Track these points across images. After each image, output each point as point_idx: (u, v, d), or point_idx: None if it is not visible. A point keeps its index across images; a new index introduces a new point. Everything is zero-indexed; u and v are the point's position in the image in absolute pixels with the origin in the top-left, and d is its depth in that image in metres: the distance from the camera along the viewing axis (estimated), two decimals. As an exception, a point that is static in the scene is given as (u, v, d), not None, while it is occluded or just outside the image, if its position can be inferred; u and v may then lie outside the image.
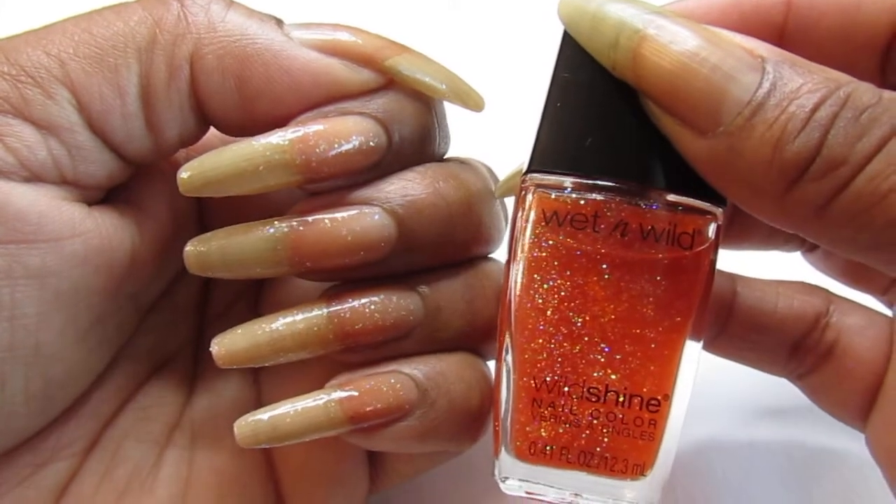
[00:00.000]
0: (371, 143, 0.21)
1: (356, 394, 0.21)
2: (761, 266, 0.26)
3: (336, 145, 0.20)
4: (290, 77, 0.21)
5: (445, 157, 0.24)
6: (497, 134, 0.28)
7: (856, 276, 0.26)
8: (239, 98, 0.21)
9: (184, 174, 0.20)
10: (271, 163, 0.20)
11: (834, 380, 0.24)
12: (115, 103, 0.20)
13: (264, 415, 0.21)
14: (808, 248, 0.26)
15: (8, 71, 0.19)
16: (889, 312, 0.25)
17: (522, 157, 0.24)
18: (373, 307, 0.21)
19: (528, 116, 0.22)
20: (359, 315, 0.21)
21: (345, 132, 0.21)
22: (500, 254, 0.23)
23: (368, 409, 0.21)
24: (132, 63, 0.20)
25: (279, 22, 0.21)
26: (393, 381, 0.21)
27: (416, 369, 0.22)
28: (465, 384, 0.22)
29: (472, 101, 0.22)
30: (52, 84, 0.20)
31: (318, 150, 0.20)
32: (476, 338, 0.23)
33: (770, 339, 0.24)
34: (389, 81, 0.21)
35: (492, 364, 0.23)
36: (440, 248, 0.22)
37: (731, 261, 0.24)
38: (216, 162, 0.20)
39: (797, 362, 0.24)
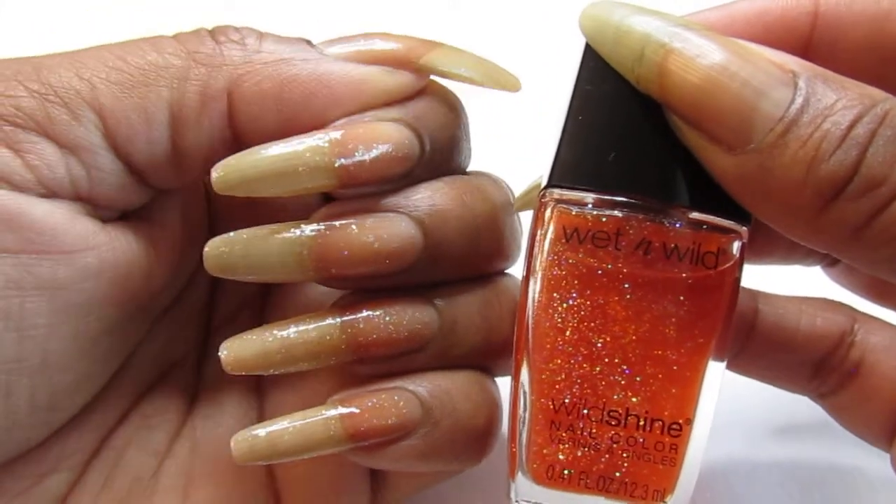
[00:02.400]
0: (406, 150, 0.21)
1: (357, 411, 0.21)
2: (781, 280, 0.25)
3: (374, 149, 0.20)
4: (331, 90, 0.21)
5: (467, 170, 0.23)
6: (497, 134, 0.27)
7: (879, 291, 0.25)
8: (278, 119, 0.21)
9: (219, 172, 0.20)
10: (311, 164, 0.20)
11: (859, 399, 0.23)
12: (141, 129, 0.20)
13: (262, 430, 0.21)
14: (829, 263, 0.26)
15: (38, 89, 0.19)
16: (915, 330, 0.24)
17: (524, 158, 0.23)
18: (387, 319, 0.21)
19: (529, 117, 0.22)
20: (373, 326, 0.21)
21: (382, 137, 0.20)
22: (515, 270, 0.23)
23: (370, 427, 0.21)
24: (163, 91, 0.20)
25: (310, 43, 0.21)
26: (396, 398, 0.21)
27: (422, 386, 0.21)
28: (472, 404, 0.22)
29: (509, 84, 0.22)
30: (79, 106, 0.20)
31: (356, 154, 0.20)
32: (490, 355, 0.22)
33: (792, 358, 0.24)
34: (426, 79, 0.21)
35: (506, 382, 0.23)
36: (463, 260, 0.22)
37: (749, 275, 0.23)
38: (253, 161, 0.20)
39: (820, 381, 0.24)
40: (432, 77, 0.22)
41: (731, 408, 0.22)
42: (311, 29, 0.22)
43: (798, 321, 0.23)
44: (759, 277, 0.24)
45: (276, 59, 0.21)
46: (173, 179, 0.21)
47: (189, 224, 0.23)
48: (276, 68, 0.20)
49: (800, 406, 0.25)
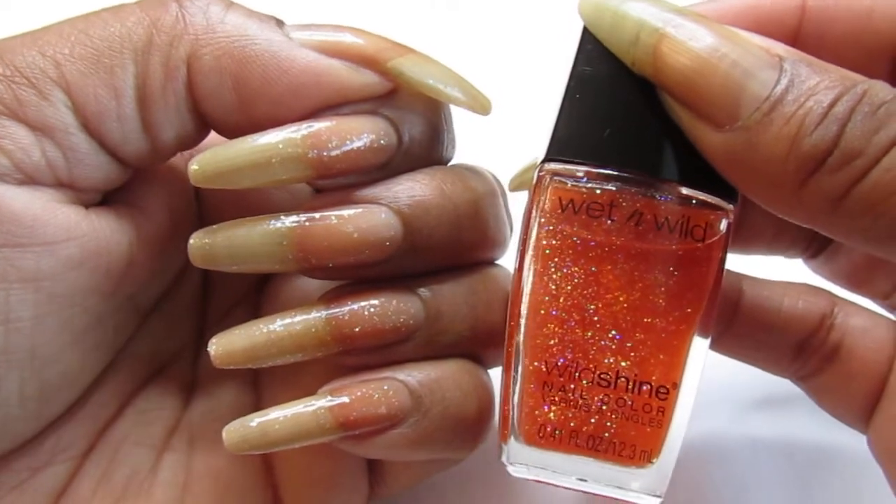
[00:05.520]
0: (381, 142, 0.21)
1: (347, 400, 0.21)
2: (764, 272, 0.26)
3: (347, 142, 0.20)
4: (290, 78, 0.20)
5: (451, 162, 0.23)
6: (495, 134, 0.28)
7: (858, 280, 0.26)
8: (237, 99, 0.20)
9: (194, 165, 0.20)
10: (284, 156, 0.20)
11: (838, 381, 0.24)
12: (110, 105, 0.20)
13: (253, 420, 0.21)
14: (811, 255, 0.27)
15: (3, 72, 0.19)
16: (892, 316, 0.25)
17: (522, 157, 0.24)
18: (372, 310, 0.21)
19: (528, 116, 0.22)
20: (357, 318, 0.21)
21: (356, 130, 0.20)
22: (505, 261, 0.23)
23: (359, 416, 0.21)
24: (128, 64, 0.20)
25: (279, 23, 0.21)
26: (386, 387, 0.21)
27: (411, 376, 0.21)
28: (462, 392, 0.22)
29: (478, 105, 0.22)
30: (47, 85, 0.19)
31: (329, 145, 0.20)
32: (477, 344, 0.23)
33: (775, 339, 0.24)
34: (394, 84, 0.21)
35: (492, 372, 0.23)
36: (446, 250, 0.22)
37: (734, 265, 0.24)
38: (228, 153, 0.20)
39: (801, 363, 0.24)
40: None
41: (718, 377, 0.23)
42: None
43: (780, 303, 0.24)
44: (744, 268, 0.25)
45: (240, 35, 0.20)
46: (149, 156, 0.21)
47: (176, 216, 0.23)
48: (237, 44, 0.20)
49: (778, 382, 0.25)
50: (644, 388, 0.20)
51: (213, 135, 0.22)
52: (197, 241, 0.21)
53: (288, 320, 0.21)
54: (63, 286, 0.20)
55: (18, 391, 0.20)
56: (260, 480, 0.23)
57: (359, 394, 0.21)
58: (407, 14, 0.42)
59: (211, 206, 0.24)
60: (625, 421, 0.20)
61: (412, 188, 0.21)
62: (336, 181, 0.21)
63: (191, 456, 0.23)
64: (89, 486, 0.22)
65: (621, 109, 0.20)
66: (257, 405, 0.24)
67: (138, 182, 0.22)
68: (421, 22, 0.42)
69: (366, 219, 0.21)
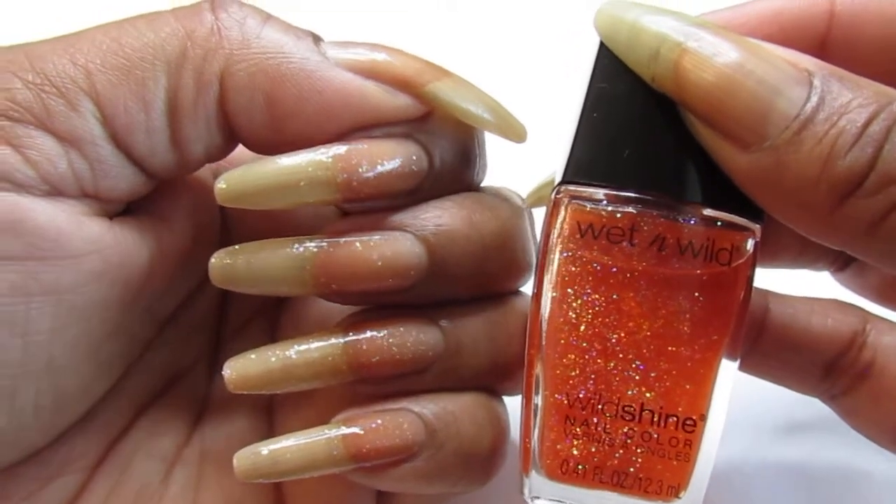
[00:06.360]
0: (413, 167, 0.20)
1: (361, 431, 0.20)
2: (790, 285, 0.25)
3: (378, 166, 0.20)
4: (323, 99, 0.20)
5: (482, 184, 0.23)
6: (497, 138, 0.27)
7: (888, 295, 0.25)
8: (268, 117, 0.20)
9: (222, 184, 0.20)
10: (313, 179, 0.20)
11: (870, 401, 0.23)
12: (139, 117, 0.19)
13: (265, 448, 0.20)
14: (838, 268, 0.26)
15: (32, 80, 0.19)
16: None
17: (525, 162, 0.23)
18: (391, 340, 0.21)
19: (528, 119, 0.22)
20: (376, 347, 0.20)
21: (388, 153, 0.20)
22: (528, 288, 0.22)
23: (372, 447, 0.20)
24: (160, 76, 0.19)
25: (316, 39, 0.21)
26: (401, 419, 0.21)
27: (427, 408, 0.21)
28: (477, 426, 0.21)
29: (513, 132, 0.21)
30: (76, 95, 0.19)
31: (360, 169, 0.20)
32: (497, 376, 0.22)
33: (803, 358, 0.23)
34: (428, 108, 0.21)
35: (509, 400, 0.23)
36: (470, 280, 0.21)
37: (758, 278, 0.23)
38: (256, 174, 0.20)
39: (831, 382, 0.24)
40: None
41: (744, 406, 0.22)
42: (305, 27, 0.21)
43: (809, 321, 0.23)
44: (768, 281, 0.24)
45: (275, 51, 0.20)
46: (176, 169, 0.21)
47: (199, 227, 0.22)
48: (272, 61, 0.20)
49: (814, 404, 0.25)
50: (670, 420, 0.19)
51: (240, 147, 0.22)
52: (218, 260, 0.20)
53: (304, 347, 0.20)
54: (83, 298, 0.20)
55: (33, 402, 0.20)
56: (269, 500, 0.23)
57: (373, 425, 0.20)
58: (405, 14, 0.41)
59: (236, 217, 0.23)
60: (650, 455, 0.19)
61: (440, 217, 0.21)
62: (364, 205, 0.21)
63: (201, 471, 0.23)
64: (100, 498, 0.22)
65: (641, 128, 0.19)
66: (270, 424, 0.23)
67: (163, 192, 0.22)
68: (420, 22, 0.41)
69: (390, 246, 0.20)
